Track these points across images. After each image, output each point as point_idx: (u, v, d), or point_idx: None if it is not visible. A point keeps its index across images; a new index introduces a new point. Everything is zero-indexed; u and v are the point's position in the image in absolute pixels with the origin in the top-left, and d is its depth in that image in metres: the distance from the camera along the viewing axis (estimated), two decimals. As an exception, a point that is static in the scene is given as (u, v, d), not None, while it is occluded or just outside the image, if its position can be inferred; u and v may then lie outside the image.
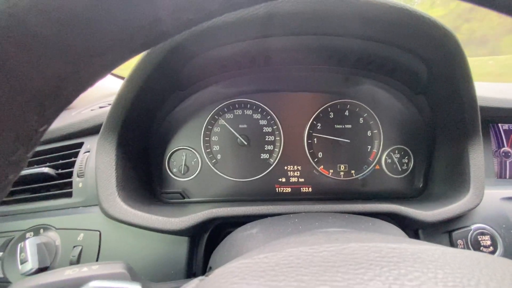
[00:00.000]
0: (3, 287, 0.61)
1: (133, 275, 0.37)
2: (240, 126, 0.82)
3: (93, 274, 0.35)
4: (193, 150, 0.81)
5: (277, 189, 0.83)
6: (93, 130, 0.74)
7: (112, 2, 0.17)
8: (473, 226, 0.66)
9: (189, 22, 0.20)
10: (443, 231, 0.68)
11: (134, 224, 0.60)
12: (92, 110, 0.84)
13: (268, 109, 0.83)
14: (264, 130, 0.83)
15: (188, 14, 0.20)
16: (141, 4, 0.18)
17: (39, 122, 0.19)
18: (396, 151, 0.83)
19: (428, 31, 0.53)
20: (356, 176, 0.83)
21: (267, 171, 0.83)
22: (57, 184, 0.72)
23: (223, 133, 0.82)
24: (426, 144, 0.79)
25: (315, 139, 0.83)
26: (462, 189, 0.67)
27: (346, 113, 0.84)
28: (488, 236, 0.65)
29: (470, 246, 0.65)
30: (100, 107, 0.85)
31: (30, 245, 0.60)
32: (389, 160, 0.83)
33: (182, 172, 0.80)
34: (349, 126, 0.83)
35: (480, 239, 0.65)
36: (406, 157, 0.84)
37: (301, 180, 0.83)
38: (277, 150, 0.83)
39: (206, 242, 0.66)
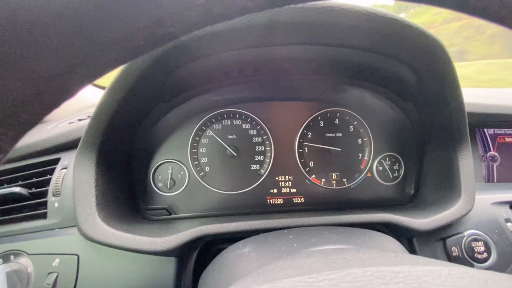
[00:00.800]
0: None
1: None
2: (229, 136, 0.80)
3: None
4: (179, 163, 0.77)
5: (268, 200, 0.80)
6: (71, 145, 0.69)
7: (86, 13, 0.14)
8: (467, 233, 0.66)
9: (167, 35, 0.18)
10: (437, 239, 0.68)
11: (116, 246, 0.55)
12: (70, 123, 0.79)
13: (257, 119, 0.81)
14: (254, 140, 0.81)
15: (165, 28, 0.17)
16: (114, 18, 0.15)
17: None
18: (387, 158, 0.83)
19: (416, 40, 0.53)
20: (348, 185, 0.82)
21: (258, 182, 0.80)
22: (30, 205, 0.66)
23: (211, 144, 0.79)
24: (416, 150, 0.79)
25: (306, 148, 0.82)
26: (453, 195, 0.67)
27: (336, 121, 0.83)
28: (482, 242, 0.65)
29: (464, 253, 0.65)
30: (79, 120, 0.80)
31: (-3, 274, 0.54)
32: (380, 168, 0.83)
33: (168, 187, 0.76)
34: (340, 134, 0.83)
35: (474, 245, 0.65)
36: (397, 164, 0.83)
37: (293, 190, 0.81)
38: (267, 160, 0.81)
39: (195, 262, 0.62)
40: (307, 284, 0.23)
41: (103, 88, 1.17)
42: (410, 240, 0.69)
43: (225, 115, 0.80)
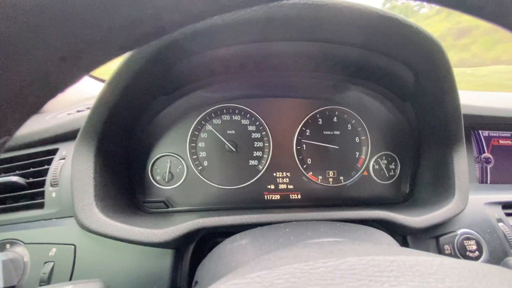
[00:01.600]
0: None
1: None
2: (228, 132, 0.80)
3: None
4: (178, 157, 0.78)
5: (266, 196, 0.81)
6: (69, 136, 0.69)
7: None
8: (459, 231, 0.67)
9: (172, 24, 0.18)
10: (431, 236, 0.69)
11: (113, 236, 0.55)
12: (69, 114, 0.79)
13: (256, 115, 0.81)
14: (252, 136, 0.81)
15: (171, 16, 0.17)
16: (121, 5, 0.16)
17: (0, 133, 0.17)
18: (384, 157, 0.84)
19: (415, 40, 0.54)
20: (345, 183, 0.83)
21: (256, 178, 0.80)
22: (27, 194, 0.66)
23: (210, 139, 0.79)
24: (412, 150, 0.81)
25: (304, 145, 0.83)
26: (447, 194, 0.68)
27: (335, 119, 0.84)
28: (474, 241, 0.66)
29: (456, 251, 0.66)
30: (78, 111, 0.80)
31: (-6, 263, 0.54)
32: (377, 166, 0.84)
33: (166, 180, 0.76)
34: (338, 132, 0.83)
35: (466, 244, 0.66)
36: (393, 163, 0.84)
37: (290, 187, 0.82)
38: (266, 156, 0.81)
39: (191, 254, 0.62)
40: (304, 271, 0.24)
41: (102, 80, 1.17)
42: (404, 237, 0.70)
43: (224, 110, 0.81)
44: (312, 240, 0.44)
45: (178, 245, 0.60)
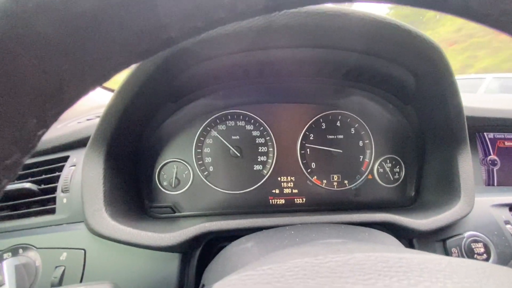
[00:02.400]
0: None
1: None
2: (233, 137, 0.82)
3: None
4: (184, 163, 0.79)
5: (270, 200, 0.82)
6: (79, 143, 0.71)
7: (117, 6, 0.16)
8: (466, 234, 0.67)
9: (195, 29, 0.20)
10: (437, 240, 0.68)
11: (122, 241, 0.57)
12: (79, 122, 0.82)
13: (261, 120, 0.83)
14: (257, 141, 0.83)
15: (194, 22, 0.19)
16: (146, 10, 0.17)
17: (38, 125, 0.19)
18: (388, 160, 0.84)
19: (415, 44, 0.55)
20: (350, 186, 0.83)
21: (261, 182, 0.81)
22: (39, 201, 0.68)
23: (216, 144, 0.81)
24: (417, 153, 0.81)
25: (308, 149, 0.84)
26: (453, 197, 0.68)
27: (338, 123, 0.85)
28: (481, 243, 0.66)
29: (464, 253, 0.65)
30: (88, 120, 0.83)
31: (7, 267, 0.56)
32: (381, 170, 0.84)
33: (173, 185, 0.78)
34: (341, 136, 0.84)
35: (473, 246, 0.65)
36: (398, 167, 0.85)
37: (295, 191, 0.83)
38: (270, 161, 0.82)
39: (198, 258, 0.63)
40: (314, 264, 0.25)
41: (110, 90, 1.21)
42: (410, 241, 0.70)
43: (229, 116, 0.82)
44: (317, 241, 0.45)
45: (185, 249, 0.61)
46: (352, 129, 0.85)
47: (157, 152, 0.79)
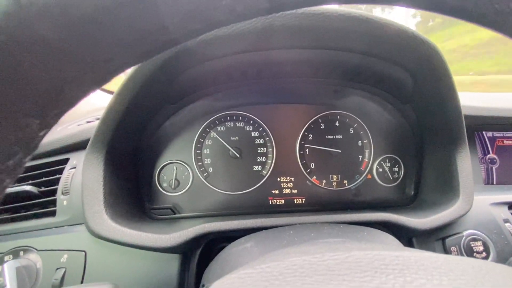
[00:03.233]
0: (-24, 317, 0.56)
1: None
2: (232, 138, 0.82)
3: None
4: (184, 164, 0.80)
5: (270, 201, 0.82)
6: (79, 146, 0.72)
7: (118, 9, 0.17)
8: (465, 232, 0.67)
9: (196, 31, 0.20)
10: (436, 238, 0.68)
11: (123, 242, 0.57)
12: (79, 125, 0.82)
13: (259, 121, 0.83)
14: (256, 142, 0.83)
15: (194, 24, 0.19)
16: (147, 12, 0.18)
17: (41, 125, 0.19)
18: (387, 160, 0.85)
19: (412, 44, 0.55)
20: (349, 186, 0.84)
21: (260, 183, 0.82)
22: (40, 203, 0.68)
23: (215, 146, 0.81)
24: (415, 152, 0.81)
25: (307, 150, 0.84)
26: (452, 195, 0.68)
27: (337, 123, 0.85)
28: (480, 242, 0.66)
29: (463, 252, 0.66)
30: (88, 122, 0.83)
31: (8, 269, 0.56)
32: (380, 169, 0.84)
33: (173, 187, 0.78)
34: (340, 136, 0.84)
35: (472, 245, 0.66)
36: (397, 166, 0.85)
37: (294, 191, 0.83)
38: (269, 161, 0.83)
39: (198, 259, 0.63)
40: (312, 262, 0.25)
41: (110, 92, 1.21)
42: (409, 240, 0.70)
43: (228, 117, 0.83)
44: (316, 240, 0.45)
45: (185, 250, 0.62)
46: (351, 129, 0.85)
47: (157, 154, 0.79)
